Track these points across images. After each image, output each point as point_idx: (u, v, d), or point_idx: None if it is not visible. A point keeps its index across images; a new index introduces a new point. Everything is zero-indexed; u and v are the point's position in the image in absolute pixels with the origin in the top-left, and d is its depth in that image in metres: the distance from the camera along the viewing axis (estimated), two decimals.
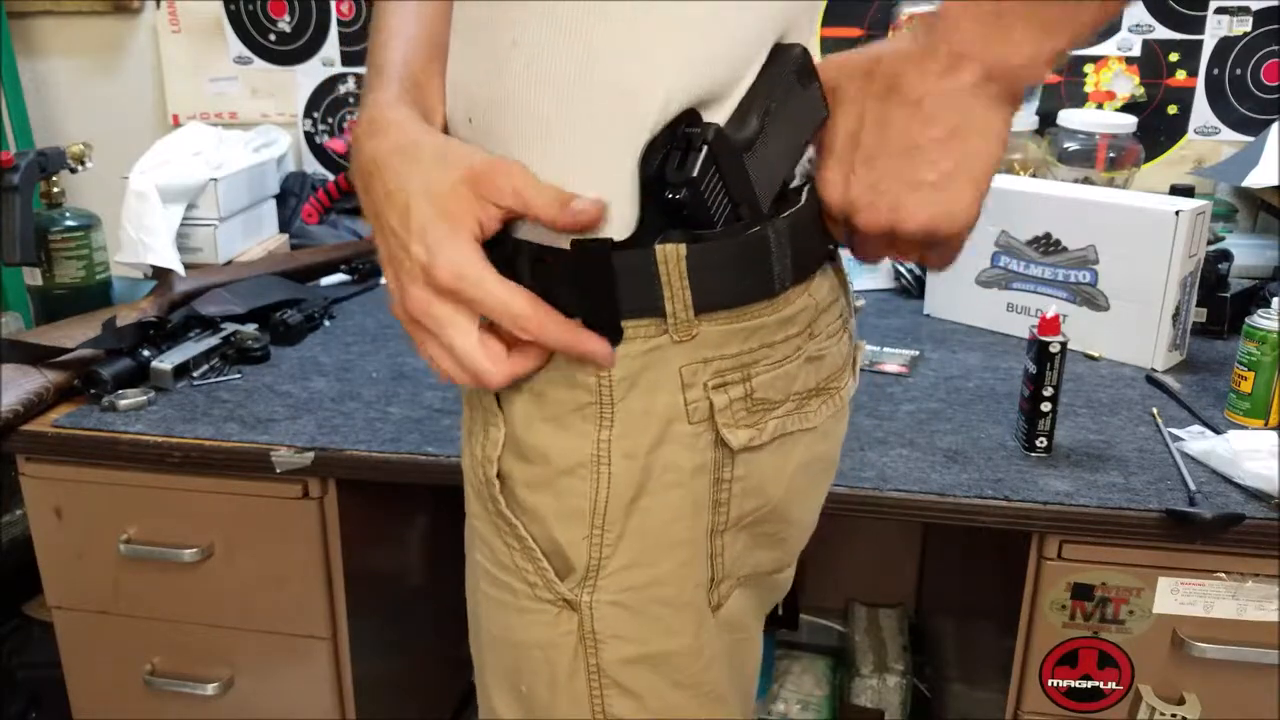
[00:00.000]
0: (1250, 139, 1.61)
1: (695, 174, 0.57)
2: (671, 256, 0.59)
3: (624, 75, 0.57)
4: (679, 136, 0.58)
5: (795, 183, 0.65)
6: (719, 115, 0.60)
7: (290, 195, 1.77)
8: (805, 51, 0.62)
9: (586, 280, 0.60)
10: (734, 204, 0.60)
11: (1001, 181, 1.39)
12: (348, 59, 1.82)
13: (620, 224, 0.59)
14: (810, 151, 0.65)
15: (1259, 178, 1.47)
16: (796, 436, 0.66)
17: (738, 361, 0.62)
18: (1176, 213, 1.19)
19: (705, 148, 0.57)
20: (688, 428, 0.62)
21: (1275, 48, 1.61)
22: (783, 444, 0.65)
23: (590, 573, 0.64)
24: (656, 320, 0.60)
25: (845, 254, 0.69)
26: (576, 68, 0.57)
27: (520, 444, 0.64)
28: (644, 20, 0.56)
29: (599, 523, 0.63)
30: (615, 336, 0.60)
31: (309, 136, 1.87)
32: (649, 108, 0.57)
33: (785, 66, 0.61)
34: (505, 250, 0.62)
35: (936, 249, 0.64)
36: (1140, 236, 1.23)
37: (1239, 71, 1.63)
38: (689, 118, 0.58)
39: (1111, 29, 1.63)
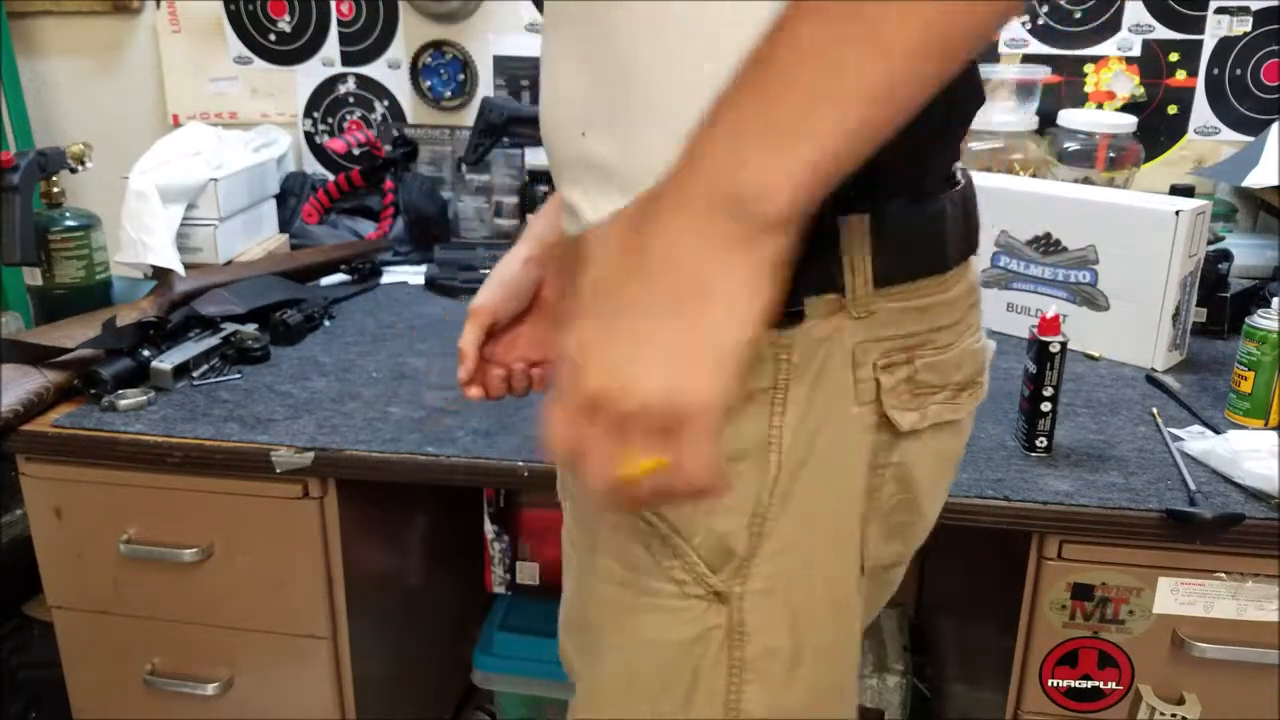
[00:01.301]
0: (1250, 139, 1.61)
1: None
2: (856, 228, 0.57)
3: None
4: None
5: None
6: None
7: (290, 195, 1.77)
8: None
9: None
10: (915, 176, 0.60)
11: (1001, 181, 1.39)
12: (348, 59, 1.82)
13: None
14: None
15: (1259, 178, 1.47)
16: (941, 429, 0.65)
17: (905, 343, 0.61)
18: (1176, 213, 1.19)
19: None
20: (855, 409, 0.60)
21: (1275, 48, 1.61)
22: (931, 434, 0.64)
23: (745, 561, 0.62)
24: (837, 296, 0.59)
25: None
26: (715, 46, 0.54)
27: None
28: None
29: (760, 510, 0.61)
30: (797, 317, 0.58)
31: (309, 136, 1.87)
32: None
33: None
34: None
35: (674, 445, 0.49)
36: (1140, 236, 1.23)
37: (1239, 71, 1.63)
38: None
39: (1112, 29, 1.64)
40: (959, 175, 0.64)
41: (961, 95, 0.61)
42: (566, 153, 0.65)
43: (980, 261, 1.36)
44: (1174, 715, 1.03)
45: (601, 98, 0.61)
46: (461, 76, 1.79)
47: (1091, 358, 1.30)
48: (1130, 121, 1.58)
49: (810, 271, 0.57)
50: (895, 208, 0.59)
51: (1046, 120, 1.64)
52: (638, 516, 0.63)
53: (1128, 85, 1.67)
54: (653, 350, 0.47)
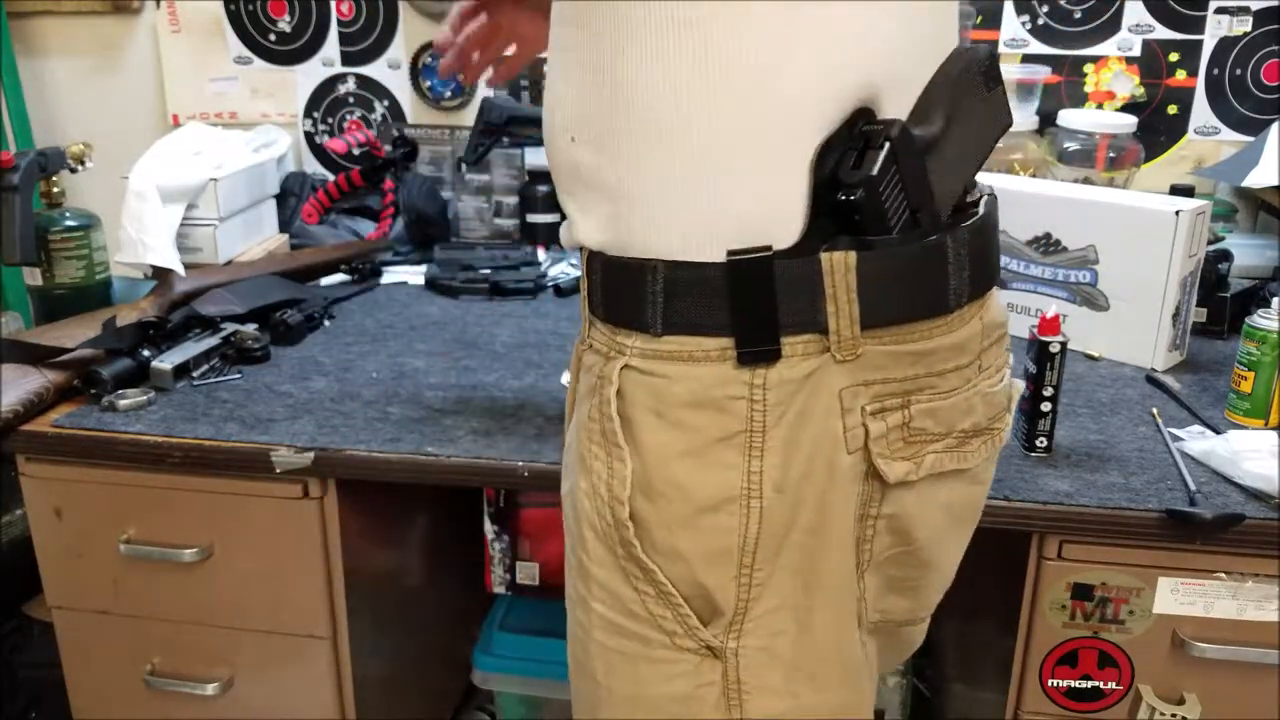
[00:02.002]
0: (1250, 139, 1.61)
1: (875, 172, 0.52)
2: (839, 265, 0.54)
3: (786, 74, 0.53)
4: (856, 134, 0.53)
5: (973, 195, 0.60)
6: (900, 113, 0.55)
7: (290, 195, 1.77)
8: (994, 52, 0.58)
9: (742, 293, 0.55)
10: (912, 209, 0.55)
11: (1001, 181, 1.39)
12: (348, 59, 1.82)
13: (783, 230, 0.54)
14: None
15: (1259, 178, 1.47)
16: (944, 479, 0.60)
17: (900, 387, 0.57)
18: (1176, 213, 1.19)
19: (887, 144, 0.52)
20: (845, 457, 0.57)
21: (1275, 48, 1.61)
22: (933, 483, 0.60)
23: (738, 616, 0.59)
24: (819, 337, 0.55)
25: None
26: (736, 71, 0.53)
27: (652, 481, 0.58)
28: (809, 15, 0.52)
29: (748, 561, 0.58)
30: (773, 356, 0.55)
31: (309, 136, 1.87)
32: (816, 107, 0.53)
33: (972, 67, 0.57)
34: (616, 266, 0.57)
35: None
36: (1140, 236, 1.23)
37: (1239, 71, 1.63)
38: (865, 115, 0.54)
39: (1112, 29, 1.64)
40: (981, 205, 0.60)
41: (971, 120, 0.57)
42: (559, 158, 0.63)
43: None
44: (1174, 715, 1.03)
45: (588, 104, 0.59)
46: (461, 76, 1.79)
47: (1091, 358, 1.30)
48: (1130, 121, 1.58)
49: (790, 309, 0.55)
50: (884, 245, 0.55)
51: (1046, 120, 1.64)
52: (631, 562, 0.60)
53: (1128, 85, 1.67)
54: None
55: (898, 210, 0.54)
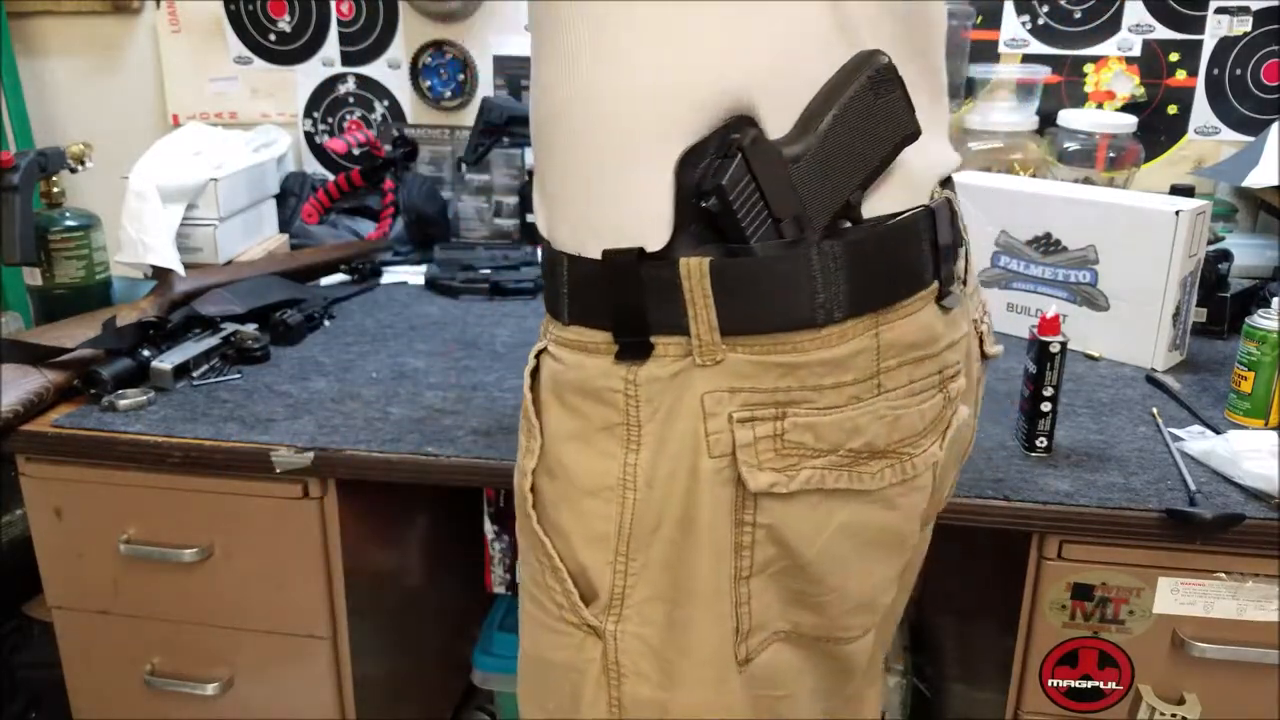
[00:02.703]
0: (1250, 139, 1.61)
1: (724, 181, 0.52)
2: (695, 271, 0.54)
3: (648, 76, 0.54)
4: (725, 143, 0.53)
5: (895, 208, 0.58)
6: (784, 122, 0.55)
7: (290, 195, 1.77)
8: (889, 61, 0.56)
9: (616, 291, 0.57)
10: (775, 219, 0.54)
11: (1001, 181, 1.39)
12: (347, 59, 1.82)
13: (653, 234, 0.55)
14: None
15: (1259, 178, 1.47)
16: (842, 496, 0.59)
17: (772, 398, 0.56)
18: (1177, 213, 1.19)
19: (739, 155, 0.53)
20: (708, 461, 0.57)
21: (1275, 48, 1.61)
22: (823, 500, 0.59)
23: (615, 600, 0.60)
24: (685, 339, 0.56)
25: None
26: (606, 70, 0.55)
27: (549, 459, 0.62)
28: (673, 17, 0.53)
29: (623, 549, 0.59)
30: (643, 352, 0.57)
31: (309, 136, 1.87)
32: (679, 111, 0.54)
33: (860, 73, 0.56)
34: (547, 255, 0.60)
35: None
36: (1140, 236, 1.23)
37: (1239, 71, 1.63)
38: (744, 122, 0.54)
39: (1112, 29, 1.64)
40: (911, 211, 0.58)
41: (857, 130, 0.56)
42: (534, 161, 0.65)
43: (980, 262, 1.37)
44: (1174, 715, 1.03)
45: (537, 109, 0.61)
46: (461, 76, 1.79)
47: (1092, 358, 1.30)
48: (1130, 121, 1.58)
49: (658, 310, 0.56)
50: (743, 254, 0.54)
51: (1046, 120, 1.64)
52: (529, 534, 0.64)
53: (1128, 85, 1.67)
54: None
55: (757, 220, 0.54)
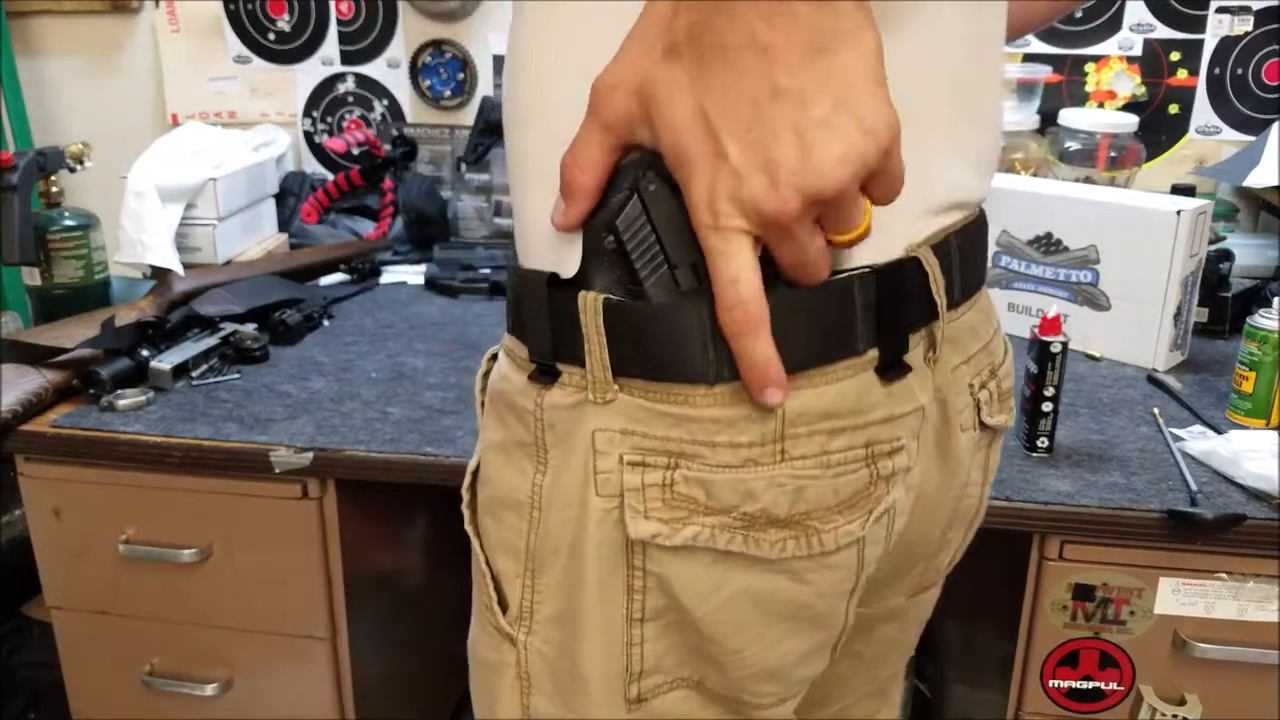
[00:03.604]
0: (1251, 138, 1.61)
1: (618, 221, 0.50)
2: (590, 306, 0.52)
3: (566, 88, 0.51)
4: (633, 179, 0.50)
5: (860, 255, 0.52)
6: None
7: (289, 195, 1.77)
8: None
9: (532, 312, 0.56)
10: (670, 265, 0.51)
11: (1002, 181, 1.39)
12: (347, 58, 1.82)
13: (565, 260, 0.54)
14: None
15: (1260, 177, 1.46)
16: (741, 561, 0.55)
17: (663, 446, 0.53)
18: (1178, 212, 1.19)
19: (635, 195, 0.50)
20: (595, 499, 0.55)
21: (1276, 47, 1.61)
22: (716, 561, 0.55)
23: (524, 613, 0.60)
24: (583, 371, 0.54)
25: None
26: (531, 79, 0.54)
27: (481, 463, 0.62)
28: (580, 31, 0.51)
29: (530, 565, 0.59)
30: (551, 377, 0.55)
31: (308, 136, 1.87)
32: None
33: None
34: (511, 261, 0.61)
35: (873, 182, 0.46)
36: (1141, 236, 1.23)
37: (1240, 71, 1.63)
38: (651, 160, 0.49)
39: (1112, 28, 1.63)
40: (847, 273, 0.52)
41: None
42: None
43: None
44: (1175, 716, 1.03)
45: (507, 106, 0.59)
46: (461, 76, 1.79)
47: (1093, 358, 1.30)
48: (1131, 121, 1.58)
49: (562, 338, 0.54)
50: (637, 297, 0.52)
51: (1047, 119, 1.64)
52: (470, 530, 0.64)
53: (1129, 84, 1.66)
54: (818, 113, 0.43)
55: (651, 264, 0.51)
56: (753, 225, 0.46)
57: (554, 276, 0.54)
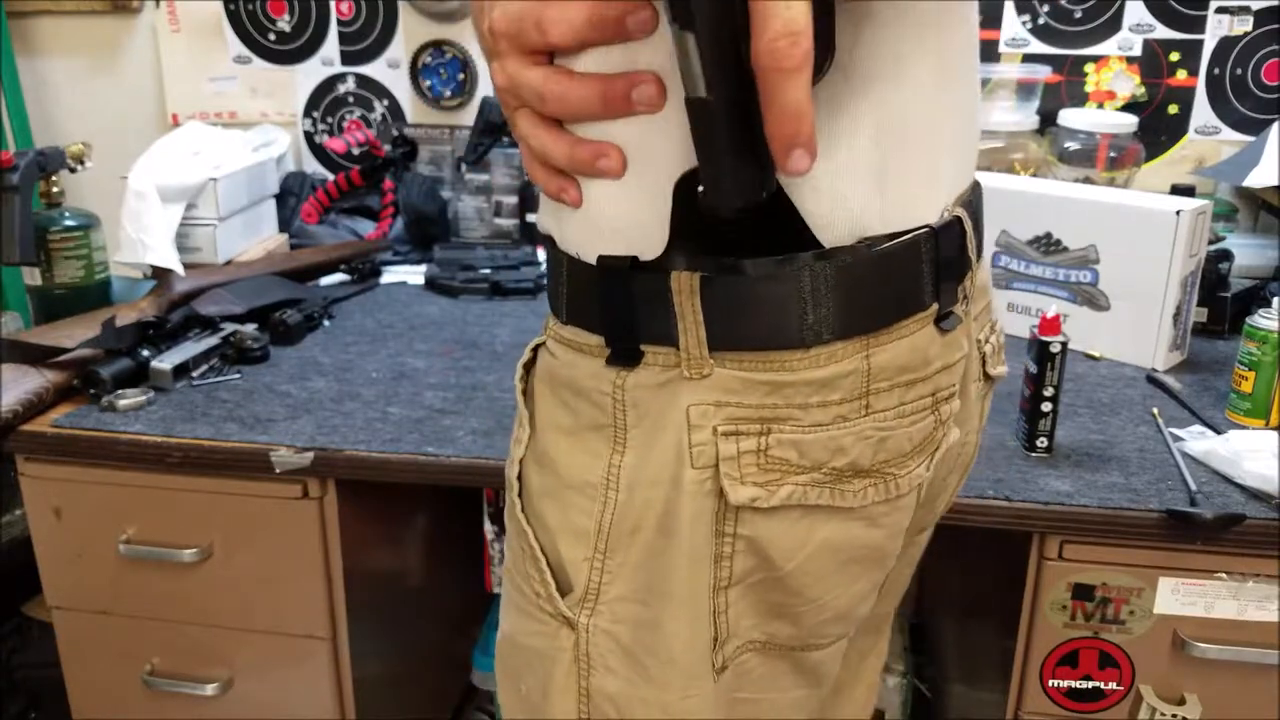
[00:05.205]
0: (1251, 139, 1.61)
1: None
2: (685, 285, 0.54)
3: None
4: None
5: (876, 230, 0.55)
6: None
7: (290, 195, 1.77)
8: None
9: (610, 298, 0.57)
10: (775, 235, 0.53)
11: (1002, 181, 1.39)
12: (347, 58, 1.82)
13: (648, 243, 0.55)
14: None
15: (1259, 177, 1.46)
16: (825, 512, 0.59)
17: (757, 414, 0.56)
18: (1177, 212, 1.19)
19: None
20: (690, 472, 0.57)
21: (1276, 47, 1.61)
22: (804, 516, 0.59)
23: (589, 595, 0.61)
24: (674, 351, 0.56)
25: None
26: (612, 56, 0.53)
27: (538, 449, 0.63)
28: None
29: (601, 547, 0.60)
30: (633, 359, 0.57)
31: (308, 136, 1.87)
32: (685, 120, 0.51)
33: None
34: (551, 253, 0.61)
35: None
36: (1141, 236, 1.23)
37: (1239, 71, 1.63)
38: None
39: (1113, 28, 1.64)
40: (913, 233, 0.56)
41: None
42: None
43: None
44: (1174, 715, 1.03)
45: None
46: (461, 76, 1.79)
47: (1092, 358, 1.30)
48: (1131, 121, 1.58)
49: (648, 320, 0.55)
50: (729, 268, 0.54)
51: (1047, 120, 1.64)
52: (513, 520, 0.64)
53: (1128, 85, 1.67)
54: None
55: (740, 232, 0.53)
56: None
57: (634, 260, 0.56)
